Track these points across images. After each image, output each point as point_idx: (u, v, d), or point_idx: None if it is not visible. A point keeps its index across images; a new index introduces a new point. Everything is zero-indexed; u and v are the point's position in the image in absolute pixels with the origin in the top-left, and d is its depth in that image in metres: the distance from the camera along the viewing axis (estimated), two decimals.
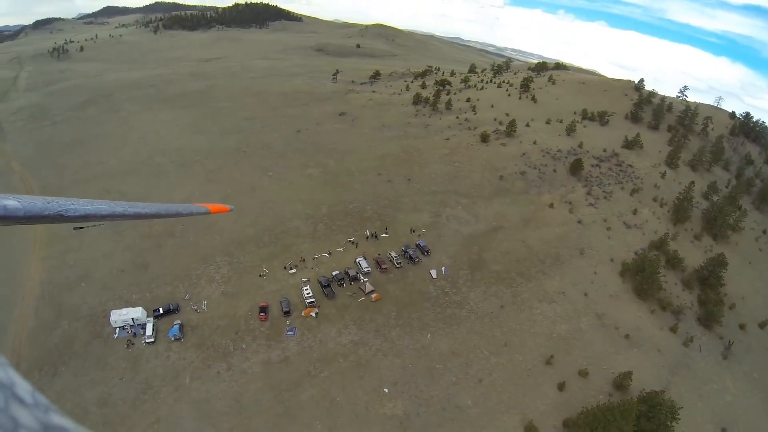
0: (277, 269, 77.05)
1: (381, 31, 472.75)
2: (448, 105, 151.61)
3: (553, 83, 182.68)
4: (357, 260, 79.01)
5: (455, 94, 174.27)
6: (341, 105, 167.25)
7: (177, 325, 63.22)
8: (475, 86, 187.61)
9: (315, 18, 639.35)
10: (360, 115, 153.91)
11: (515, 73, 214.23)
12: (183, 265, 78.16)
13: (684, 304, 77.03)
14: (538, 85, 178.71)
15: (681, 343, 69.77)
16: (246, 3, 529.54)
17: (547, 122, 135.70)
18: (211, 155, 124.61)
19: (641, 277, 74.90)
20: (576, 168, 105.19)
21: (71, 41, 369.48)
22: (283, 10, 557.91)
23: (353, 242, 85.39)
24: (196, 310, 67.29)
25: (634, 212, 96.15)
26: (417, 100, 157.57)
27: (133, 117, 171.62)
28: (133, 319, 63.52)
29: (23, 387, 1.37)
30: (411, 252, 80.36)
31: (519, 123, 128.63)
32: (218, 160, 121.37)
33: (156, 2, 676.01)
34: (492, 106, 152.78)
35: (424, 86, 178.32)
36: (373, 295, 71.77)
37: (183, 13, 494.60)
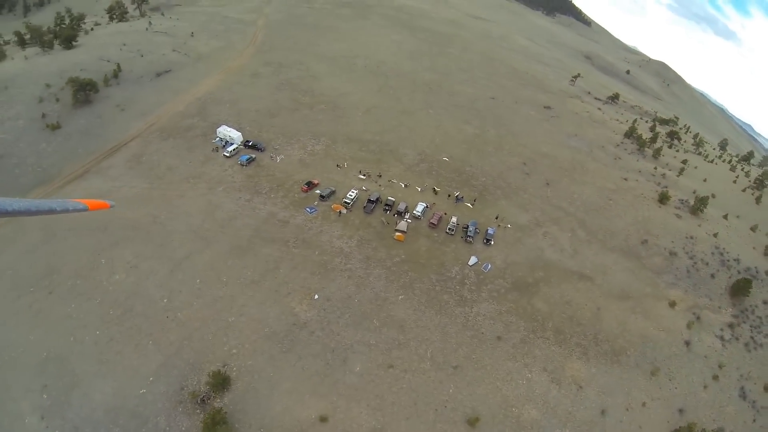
0: (355, 170, 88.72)
1: (661, 70, 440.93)
2: (657, 153, 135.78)
3: None
4: (420, 203, 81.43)
5: (677, 150, 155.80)
6: (555, 102, 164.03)
7: (247, 157, 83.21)
8: (705, 156, 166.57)
9: (604, 29, 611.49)
10: (563, 116, 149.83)
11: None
12: (296, 130, 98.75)
13: None
14: None
15: None
16: None
17: (752, 229, 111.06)
18: (402, 77, 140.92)
19: None
20: (741, 290, 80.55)
21: None
22: (576, 7, 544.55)
23: (435, 190, 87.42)
24: (272, 157, 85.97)
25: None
26: (630, 133, 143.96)
27: (372, 27, 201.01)
28: (230, 136, 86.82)
29: None
30: (472, 229, 77.04)
31: (716, 209, 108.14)
32: (404, 83, 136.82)
33: None
34: (704, 180, 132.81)
35: (653, 129, 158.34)
36: (397, 234, 73.19)
37: None
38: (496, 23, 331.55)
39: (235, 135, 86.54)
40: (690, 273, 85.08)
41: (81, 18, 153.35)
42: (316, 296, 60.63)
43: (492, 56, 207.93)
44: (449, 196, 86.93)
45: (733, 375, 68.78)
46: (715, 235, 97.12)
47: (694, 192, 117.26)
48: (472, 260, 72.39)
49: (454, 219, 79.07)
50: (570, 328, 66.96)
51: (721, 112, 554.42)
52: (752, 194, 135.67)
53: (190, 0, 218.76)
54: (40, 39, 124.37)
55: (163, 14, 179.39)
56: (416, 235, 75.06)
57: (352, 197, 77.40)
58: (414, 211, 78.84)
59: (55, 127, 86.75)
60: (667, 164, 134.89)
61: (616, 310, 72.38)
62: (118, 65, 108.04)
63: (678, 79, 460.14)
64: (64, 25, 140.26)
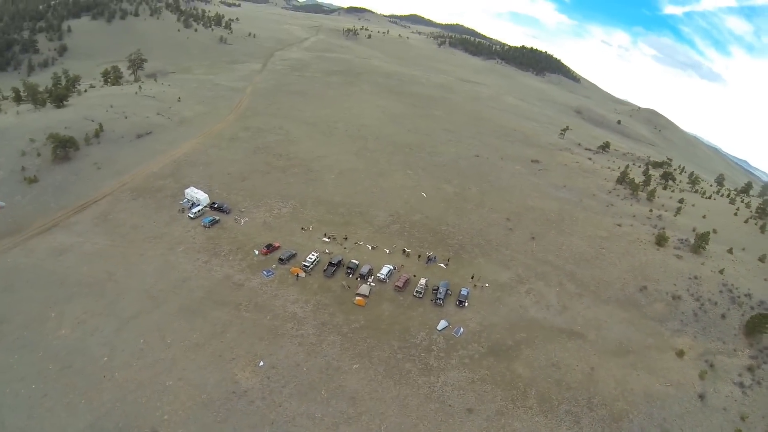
0: (320, 233, 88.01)
1: (652, 117, 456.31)
2: (651, 195, 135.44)
3: None
4: (385, 265, 78.79)
5: (672, 191, 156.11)
6: (543, 155, 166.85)
7: (211, 219, 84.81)
8: (702, 193, 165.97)
9: (593, 84, 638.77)
10: (552, 169, 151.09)
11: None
12: (265, 193, 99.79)
13: None
14: None
15: None
16: (531, 48, 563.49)
17: (761, 260, 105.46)
18: (382, 140, 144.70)
19: None
20: (756, 327, 74.45)
21: (366, 29, 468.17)
22: (564, 65, 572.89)
23: (405, 251, 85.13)
24: (236, 220, 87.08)
25: None
26: (622, 179, 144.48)
27: (359, 94, 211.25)
28: (196, 198, 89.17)
29: None
30: (442, 291, 73.55)
31: (720, 244, 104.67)
32: (383, 145, 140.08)
33: (457, 24, 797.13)
34: (704, 217, 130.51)
35: (646, 174, 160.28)
36: (357, 298, 70.01)
37: (471, 38, 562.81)
38: (486, 85, 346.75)
39: (201, 197, 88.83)
40: (697, 316, 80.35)
41: (76, 80, 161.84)
42: (261, 363, 56.68)
43: (479, 116, 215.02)
44: (419, 257, 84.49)
45: (759, 426, 61.73)
46: (721, 272, 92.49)
47: (693, 230, 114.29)
48: (442, 324, 68.09)
49: (422, 281, 75.81)
50: (558, 394, 60.91)
51: (716, 152, 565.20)
52: (756, 224, 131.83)
53: (186, 68, 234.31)
54: (33, 97, 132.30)
55: (155, 80, 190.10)
56: (379, 300, 71.73)
57: (312, 260, 75.92)
58: (378, 274, 75.94)
59: (32, 181, 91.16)
60: (662, 205, 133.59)
61: (613, 368, 66.66)
62: (101, 125, 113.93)
63: (669, 124, 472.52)
64: (60, 86, 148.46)
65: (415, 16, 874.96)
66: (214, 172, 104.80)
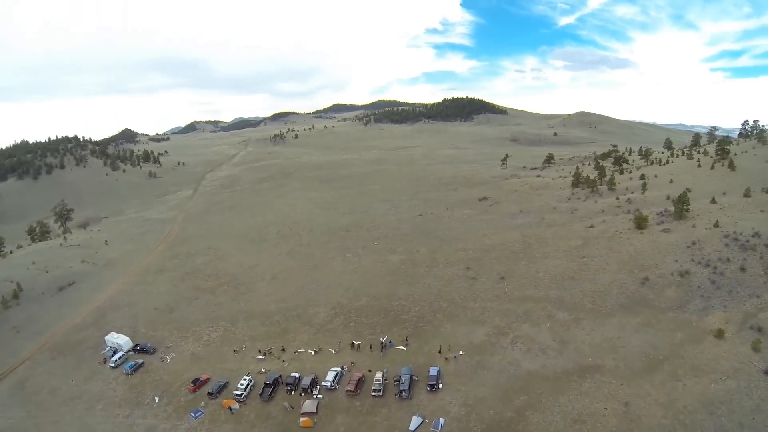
0: (254, 351, 75.45)
1: (584, 119, 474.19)
2: (611, 185, 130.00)
3: (765, 143, 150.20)
4: (331, 369, 64.66)
5: (630, 172, 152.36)
6: (491, 190, 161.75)
7: (132, 364, 75.80)
8: (659, 161, 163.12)
9: (521, 111, 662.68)
10: (502, 200, 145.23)
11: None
12: (193, 320, 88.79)
13: None
14: (742, 148, 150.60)
15: None
16: (452, 98, 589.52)
17: (746, 195, 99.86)
18: (316, 231, 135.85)
19: None
20: None
21: (292, 131, 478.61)
22: (488, 103, 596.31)
23: (355, 346, 71.07)
24: (161, 358, 77.50)
25: None
26: (577, 181, 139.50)
27: (290, 193, 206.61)
28: (117, 344, 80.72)
29: None
30: (405, 380, 59.00)
31: (700, 200, 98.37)
32: (318, 236, 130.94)
33: (378, 100, 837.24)
34: (671, 182, 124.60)
35: (598, 167, 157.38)
36: (302, 420, 55.14)
37: (394, 108, 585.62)
38: (419, 147, 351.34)
39: (122, 341, 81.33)
40: (716, 282, 69.10)
41: (1, 242, 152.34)
42: None
43: (416, 176, 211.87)
44: (371, 347, 70.32)
45: None
46: (716, 225, 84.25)
47: (667, 197, 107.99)
48: (415, 422, 52.90)
49: (378, 375, 61.22)
50: None
51: (653, 126, 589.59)
52: (722, 165, 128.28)
53: (117, 210, 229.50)
54: None
55: (84, 228, 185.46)
56: (331, 413, 56.95)
57: (244, 386, 63.40)
58: (323, 383, 61.71)
59: None
60: (626, 189, 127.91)
61: (651, 390, 52.71)
62: (19, 285, 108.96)
63: (602, 119, 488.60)
64: None
65: (337, 105, 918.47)
66: (140, 311, 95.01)
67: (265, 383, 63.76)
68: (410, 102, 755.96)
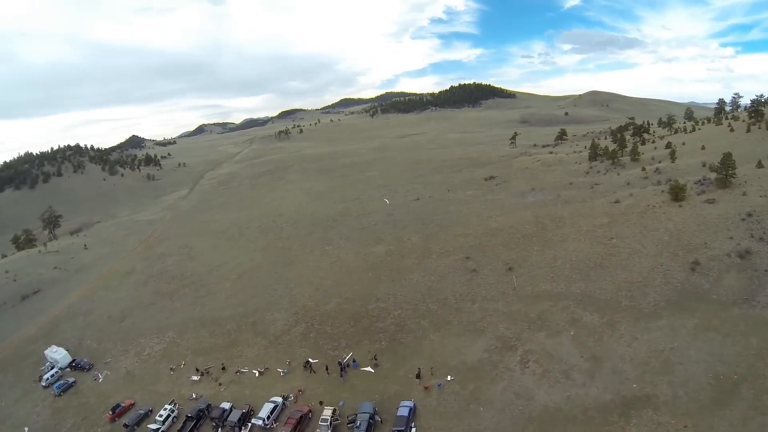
0: (192, 369, 61.08)
1: (595, 98, 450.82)
2: (635, 155, 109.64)
3: None
4: (270, 399, 47.62)
5: (653, 142, 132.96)
6: (498, 169, 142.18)
7: (62, 383, 65.30)
8: (684, 129, 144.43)
9: (530, 94, 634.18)
10: (510, 179, 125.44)
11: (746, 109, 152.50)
12: (143, 329, 75.73)
13: None
14: None
15: None
16: (460, 85, 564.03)
17: None
18: (300, 223, 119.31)
19: None
20: None
21: (297, 126, 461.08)
22: (496, 88, 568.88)
23: (309, 365, 52.74)
24: (94, 378, 66.70)
25: None
26: (594, 154, 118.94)
27: (285, 185, 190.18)
28: (54, 359, 70.81)
29: None
30: (363, 422, 40.79)
31: (743, 165, 79.40)
32: (300, 228, 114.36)
33: (386, 93, 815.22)
34: (703, 148, 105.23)
35: (616, 139, 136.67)
36: None
37: (402, 99, 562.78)
38: (425, 133, 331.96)
39: (59, 356, 71.45)
40: None
41: None
42: None
43: (419, 160, 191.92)
44: (328, 369, 51.77)
45: None
46: None
47: (703, 165, 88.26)
48: None
49: (326, 413, 43.23)
50: None
51: (666, 102, 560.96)
52: (759, 128, 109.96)
53: (112, 214, 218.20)
54: None
55: (77, 235, 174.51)
56: None
57: (162, 418, 50.42)
58: (255, 420, 44.88)
59: None
60: (652, 159, 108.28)
61: (726, 427, 34.49)
62: None
63: (614, 97, 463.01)
64: None
65: (345, 100, 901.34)
66: (93, 320, 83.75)
67: (187, 416, 50.07)
68: (418, 93, 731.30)
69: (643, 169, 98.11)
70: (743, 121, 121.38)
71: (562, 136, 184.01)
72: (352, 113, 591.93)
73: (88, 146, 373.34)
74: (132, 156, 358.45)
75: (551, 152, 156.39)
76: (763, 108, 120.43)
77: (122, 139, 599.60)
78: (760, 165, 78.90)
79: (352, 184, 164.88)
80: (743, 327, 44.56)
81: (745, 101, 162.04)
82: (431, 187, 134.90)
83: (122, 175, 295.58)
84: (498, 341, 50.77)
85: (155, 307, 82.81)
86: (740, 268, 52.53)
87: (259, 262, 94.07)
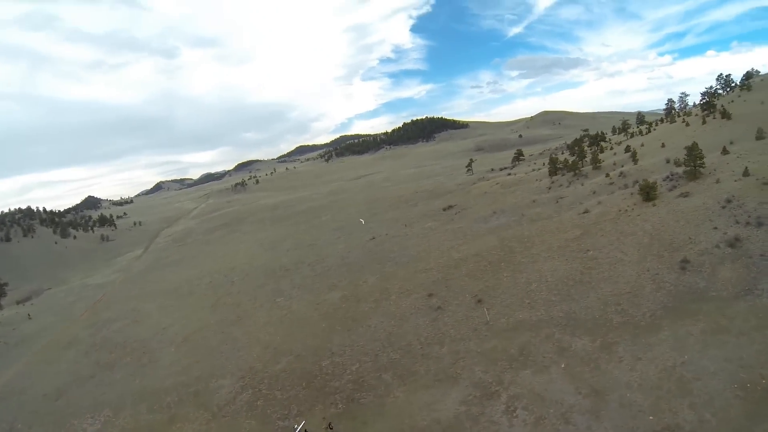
0: None
1: (546, 118, 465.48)
2: (596, 163, 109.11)
3: (749, 89, 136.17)
4: None
5: (611, 148, 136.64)
6: (456, 198, 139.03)
7: None
8: (639, 132, 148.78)
9: (482, 122, 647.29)
10: (470, 205, 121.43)
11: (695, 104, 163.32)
12: (79, 408, 62.66)
13: None
14: (727, 99, 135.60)
15: None
16: (412, 121, 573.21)
17: (759, 137, 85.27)
18: (251, 275, 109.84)
19: None
20: None
21: (254, 177, 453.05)
22: (448, 120, 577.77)
23: None
24: None
25: None
26: (554, 168, 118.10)
27: (239, 237, 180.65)
28: None
29: None
30: None
31: (708, 154, 78.98)
32: (251, 281, 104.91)
33: (340, 137, 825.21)
34: (663, 146, 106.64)
35: (574, 151, 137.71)
36: None
37: (355, 140, 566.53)
38: (380, 172, 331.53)
39: None
40: None
41: None
42: None
43: (373, 199, 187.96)
44: None
45: None
46: (745, 174, 63.15)
47: (668, 161, 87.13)
48: None
49: None
50: None
51: (614, 113, 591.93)
52: (714, 118, 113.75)
53: (62, 280, 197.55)
54: None
55: (17, 303, 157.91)
56: None
57: None
58: None
59: None
60: (614, 164, 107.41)
61: None
62: None
63: (565, 115, 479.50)
64: None
65: (300, 147, 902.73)
66: (28, 399, 69.63)
67: None
68: (372, 133, 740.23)
69: (607, 175, 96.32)
70: (696, 115, 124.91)
71: (518, 156, 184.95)
72: (308, 160, 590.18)
73: (41, 208, 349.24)
74: (86, 217, 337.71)
75: (510, 174, 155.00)
76: (714, 100, 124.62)
77: (79, 201, 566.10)
78: (725, 151, 78.21)
79: (307, 230, 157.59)
80: (755, 321, 38.42)
81: (693, 99, 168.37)
82: (386, 224, 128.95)
83: (74, 237, 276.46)
84: (476, 389, 42.39)
85: (93, 381, 71.45)
86: (733, 257, 47.40)
87: (206, 321, 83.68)
